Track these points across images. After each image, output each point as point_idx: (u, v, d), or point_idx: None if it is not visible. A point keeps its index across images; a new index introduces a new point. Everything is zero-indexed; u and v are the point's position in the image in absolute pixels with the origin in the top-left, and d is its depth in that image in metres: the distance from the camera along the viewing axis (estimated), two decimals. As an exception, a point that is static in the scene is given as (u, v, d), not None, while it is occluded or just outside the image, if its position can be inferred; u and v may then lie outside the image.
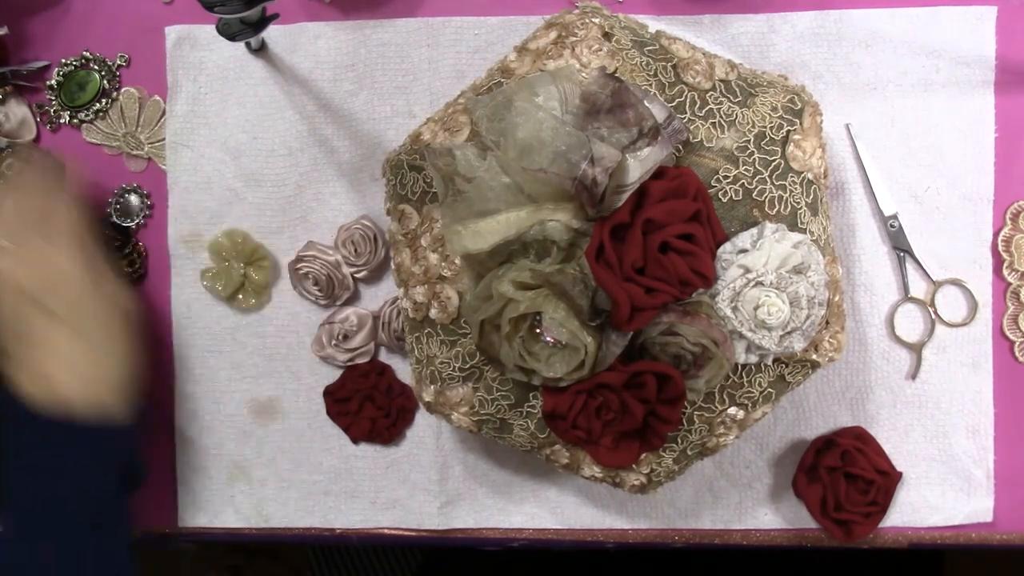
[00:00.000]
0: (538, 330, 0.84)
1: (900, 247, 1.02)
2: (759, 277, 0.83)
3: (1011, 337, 1.03)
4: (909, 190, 1.02)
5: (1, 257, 0.91)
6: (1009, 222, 1.02)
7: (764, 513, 1.06)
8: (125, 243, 1.07)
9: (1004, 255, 1.01)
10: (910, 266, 1.02)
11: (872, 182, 1.01)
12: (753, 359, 0.86)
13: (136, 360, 0.95)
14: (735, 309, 0.84)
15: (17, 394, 0.89)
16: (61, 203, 0.95)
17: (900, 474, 1.02)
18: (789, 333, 0.85)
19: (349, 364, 1.05)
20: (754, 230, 0.85)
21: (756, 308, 0.83)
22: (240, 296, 1.06)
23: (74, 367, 0.90)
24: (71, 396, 0.89)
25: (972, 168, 1.02)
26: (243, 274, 1.06)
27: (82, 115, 1.07)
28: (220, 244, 1.06)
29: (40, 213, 0.94)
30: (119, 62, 1.07)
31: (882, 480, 1.01)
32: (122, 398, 0.93)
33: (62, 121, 1.07)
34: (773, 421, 1.04)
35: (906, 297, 1.02)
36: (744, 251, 0.84)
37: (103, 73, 1.07)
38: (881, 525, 1.04)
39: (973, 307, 1.02)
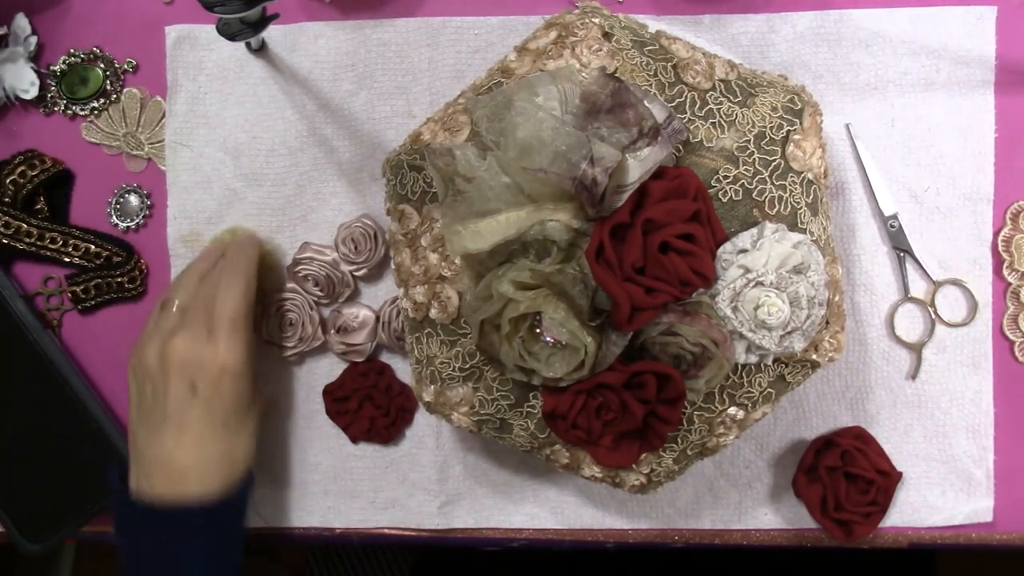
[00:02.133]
0: (538, 330, 0.83)
1: (900, 247, 1.02)
2: (759, 277, 0.83)
3: (1011, 337, 1.03)
4: (909, 190, 1.02)
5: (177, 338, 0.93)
6: (1009, 222, 1.02)
7: (764, 513, 1.06)
8: (127, 259, 1.07)
9: (1004, 255, 1.02)
10: (910, 266, 1.02)
11: (872, 182, 1.01)
12: (753, 359, 0.86)
13: (253, 451, 0.98)
14: (735, 309, 0.84)
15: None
16: (248, 293, 0.98)
17: (900, 474, 1.02)
18: (789, 333, 0.85)
19: (343, 356, 1.06)
20: (754, 230, 0.85)
21: (756, 308, 0.83)
22: None
23: (200, 453, 0.93)
24: (190, 482, 0.92)
25: (972, 168, 1.02)
26: None
27: (77, 108, 1.07)
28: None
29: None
30: (126, 67, 1.07)
31: (882, 480, 1.01)
32: (233, 484, 0.95)
33: (57, 109, 1.07)
34: (773, 421, 1.05)
35: (906, 297, 1.02)
36: (744, 251, 0.84)
37: (108, 73, 1.07)
38: (881, 525, 1.04)
39: (973, 307, 1.02)
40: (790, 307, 0.84)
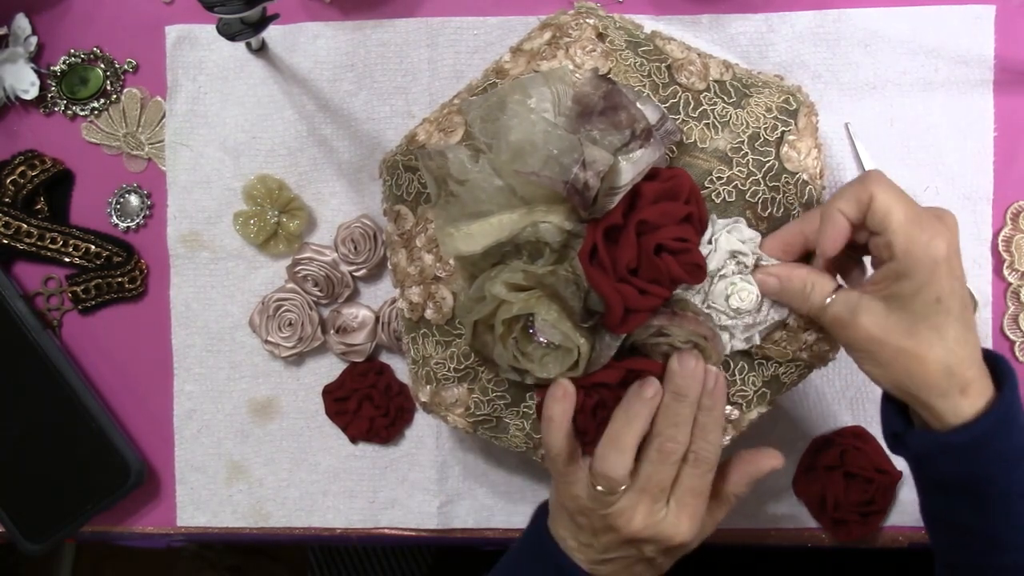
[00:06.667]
0: (531, 331, 0.83)
1: (899, 246, 1.01)
2: (720, 271, 0.83)
3: (1011, 337, 1.02)
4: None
5: None
6: (1009, 222, 1.01)
7: (764, 513, 1.06)
8: (128, 259, 1.07)
9: (1004, 255, 1.01)
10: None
11: (871, 182, 1.01)
12: (741, 345, 0.86)
13: None
14: (709, 307, 0.84)
15: None
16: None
17: (900, 473, 1.02)
18: (763, 308, 0.85)
19: (343, 356, 1.06)
20: (708, 231, 0.84)
21: (728, 299, 0.83)
22: (271, 242, 1.06)
23: None
24: None
25: (971, 167, 1.02)
26: (276, 222, 1.05)
27: (78, 108, 1.07)
28: (254, 188, 1.05)
29: None
30: (126, 67, 1.08)
31: (882, 479, 1.01)
32: None
33: (57, 109, 1.08)
34: (773, 420, 1.04)
35: (906, 296, 1.02)
36: (707, 254, 0.84)
37: (108, 73, 1.07)
38: (881, 524, 1.03)
39: (973, 306, 1.02)
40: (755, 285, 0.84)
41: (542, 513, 0.92)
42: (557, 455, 0.84)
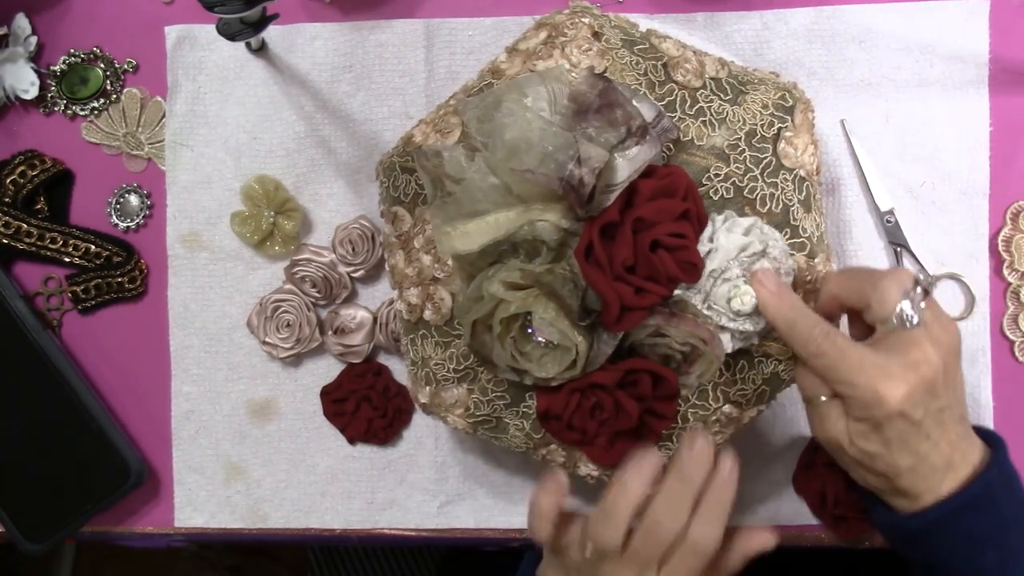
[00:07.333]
0: (529, 330, 0.83)
1: (896, 242, 1.01)
2: (723, 273, 0.83)
3: (1011, 337, 1.02)
4: (905, 185, 1.02)
5: None
6: (1009, 222, 1.01)
7: (764, 511, 1.06)
8: (128, 259, 1.07)
9: (1004, 255, 1.01)
10: (907, 261, 1.02)
11: (868, 178, 1.01)
12: (740, 344, 0.86)
13: None
14: (709, 308, 0.84)
15: None
16: None
17: (899, 470, 1.02)
18: None
19: (341, 357, 1.06)
20: (708, 229, 0.84)
21: (729, 300, 0.83)
22: (267, 243, 1.06)
23: None
24: None
25: (967, 162, 1.02)
26: (272, 222, 1.05)
27: (77, 108, 1.07)
28: (252, 189, 1.05)
29: None
30: (126, 67, 1.08)
31: (881, 477, 1.01)
32: None
33: (57, 109, 1.08)
34: (773, 417, 1.04)
35: (903, 293, 1.02)
36: (707, 253, 0.84)
37: (108, 73, 1.07)
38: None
39: (970, 301, 1.02)
40: None
41: (533, 557, 0.92)
42: (544, 541, 0.84)
